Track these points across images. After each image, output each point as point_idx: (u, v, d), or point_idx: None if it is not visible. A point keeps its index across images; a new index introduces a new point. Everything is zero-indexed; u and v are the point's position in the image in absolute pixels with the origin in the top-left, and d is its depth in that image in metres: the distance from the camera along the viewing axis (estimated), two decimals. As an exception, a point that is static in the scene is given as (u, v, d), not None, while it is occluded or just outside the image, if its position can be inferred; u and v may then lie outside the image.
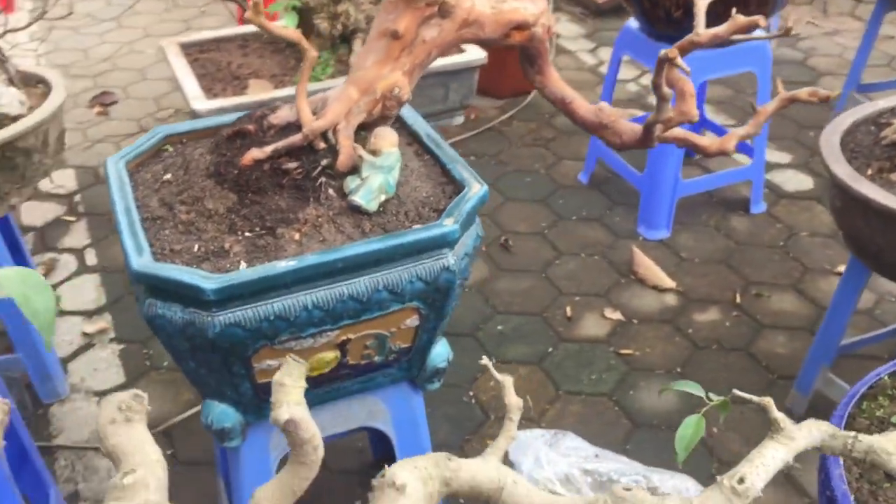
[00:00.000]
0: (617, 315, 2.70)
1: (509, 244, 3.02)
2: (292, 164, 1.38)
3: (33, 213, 3.23)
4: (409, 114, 1.66)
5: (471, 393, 2.43)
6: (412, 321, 1.43)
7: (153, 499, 0.82)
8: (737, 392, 0.86)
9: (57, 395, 2.44)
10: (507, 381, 0.97)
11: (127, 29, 4.70)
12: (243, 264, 1.30)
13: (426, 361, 1.55)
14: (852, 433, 0.86)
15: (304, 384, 0.79)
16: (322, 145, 1.40)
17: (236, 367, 1.34)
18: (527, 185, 3.36)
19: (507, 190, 3.33)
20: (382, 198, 1.39)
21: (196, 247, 1.34)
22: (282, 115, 1.45)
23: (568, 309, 2.72)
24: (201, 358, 1.33)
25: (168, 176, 1.49)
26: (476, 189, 1.43)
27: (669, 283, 2.82)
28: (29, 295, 0.48)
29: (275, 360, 1.36)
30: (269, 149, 1.38)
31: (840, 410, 1.31)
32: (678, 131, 1.74)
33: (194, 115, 2.22)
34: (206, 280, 1.23)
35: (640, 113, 3.63)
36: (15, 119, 2.03)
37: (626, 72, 4.07)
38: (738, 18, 1.56)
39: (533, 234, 3.08)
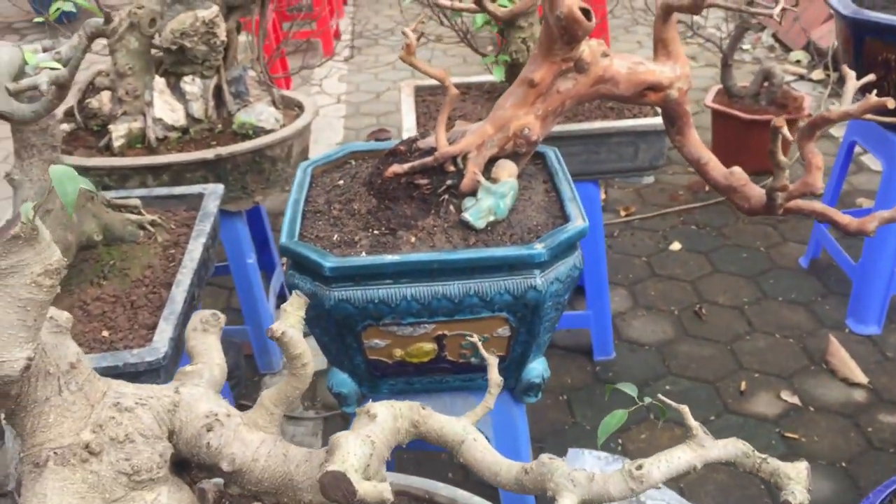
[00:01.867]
0: (794, 399, 2.64)
1: (703, 312, 3.04)
2: (423, 181, 1.65)
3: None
4: (553, 157, 1.85)
5: (619, 440, 2.51)
6: (503, 331, 1.62)
7: (202, 385, 1.11)
8: (661, 397, 0.97)
9: (271, 367, 2.90)
10: (493, 360, 1.15)
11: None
12: (363, 254, 1.58)
13: (521, 374, 1.73)
14: (765, 455, 0.94)
15: (302, 314, 1.04)
16: (452, 168, 1.65)
17: (349, 339, 1.62)
18: (741, 260, 3.35)
19: (719, 262, 3.35)
20: (491, 218, 1.61)
21: (335, 236, 1.64)
22: (428, 141, 1.72)
23: (743, 383, 2.70)
24: (323, 326, 1.63)
25: (340, 182, 1.83)
26: (577, 224, 1.60)
27: (862, 378, 2.69)
28: (63, 181, 0.78)
29: (381, 339, 1.62)
30: (406, 165, 1.66)
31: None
32: (816, 205, 1.77)
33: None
34: (327, 260, 1.53)
35: (866, 205, 3.47)
36: (269, 132, 2.51)
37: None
38: (871, 99, 1.59)
39: (731, 307, 3.08)
